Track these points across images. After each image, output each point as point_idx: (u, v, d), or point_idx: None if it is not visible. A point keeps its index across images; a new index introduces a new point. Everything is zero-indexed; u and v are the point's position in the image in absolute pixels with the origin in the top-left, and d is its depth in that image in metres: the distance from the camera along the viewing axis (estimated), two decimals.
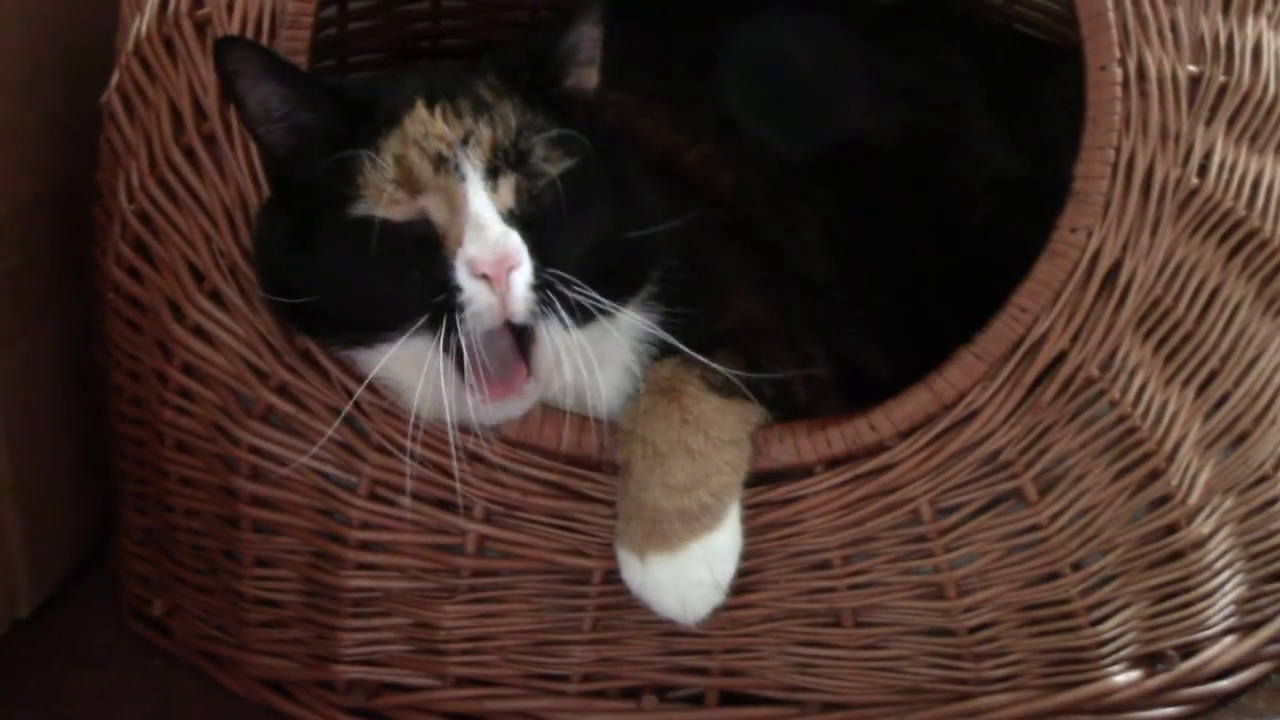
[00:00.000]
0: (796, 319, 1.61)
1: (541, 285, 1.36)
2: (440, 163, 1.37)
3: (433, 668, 1.60)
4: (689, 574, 1.48)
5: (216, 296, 1.56)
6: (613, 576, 1.52)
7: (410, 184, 1.37)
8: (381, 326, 1.39)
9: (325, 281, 1.41)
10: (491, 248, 1.35)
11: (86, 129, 1.72)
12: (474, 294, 1.35)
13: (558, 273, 1.37)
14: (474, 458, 1.52)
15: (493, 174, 1.37)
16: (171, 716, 1.67)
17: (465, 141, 1.37)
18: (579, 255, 1.39)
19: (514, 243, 1.35)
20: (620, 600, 1.54)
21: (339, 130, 1.40)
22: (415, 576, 1.57)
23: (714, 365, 1.47)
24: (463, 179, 1.36)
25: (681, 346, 1.46)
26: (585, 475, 1.52)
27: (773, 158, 1.74)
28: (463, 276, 1.35)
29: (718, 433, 1.48)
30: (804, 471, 1.52)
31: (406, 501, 1.53)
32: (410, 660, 1.61)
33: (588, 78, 1.46)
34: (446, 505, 1.55)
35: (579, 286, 1.38)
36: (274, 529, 1.61)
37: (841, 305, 1.71)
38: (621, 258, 1.43)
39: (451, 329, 1.36)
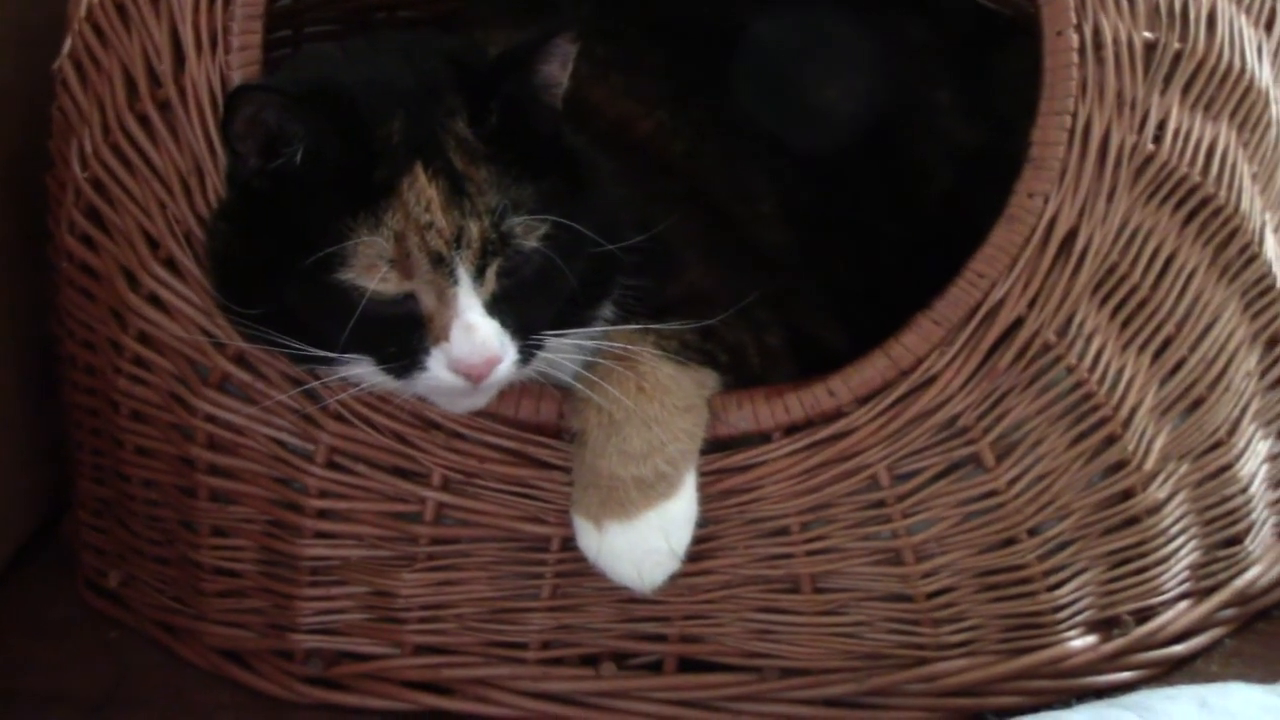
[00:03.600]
0: (749, 287, 1.61)
1: (521, 357, 1.39)
2: (438, 261, 1.36)
3: (391, 636, 1.60)
4: (645, 542, 1.48)
5: (172, 264, 1.55)
6: (571, 544, 1.52)
7: (405, 269, 1.36)
8: (338, 363, 1.40)
9: (288, 319, 1.39)
10: (479, 350, 1.36)
11: (37, 97, 1.70)
12: (449, 380, 1.37)
13: (535, 339, 1.40)
14: (431, 425, 1.52)
15: (480, 271, 1.37)
16: (128, 688, 1.66)
17: (458, 241, 1.36)
18: (555, 308, 1.42)
19: (498, 344, 1.36)
20: (578, 568, 1.54)
21: (336, 180, 1.37)
22: (373, 545, 1.57)
23: (668, 332, 1.48)
24: (455, 282, 1.36)
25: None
26: (544, 442, 1.52)
27: (729, 126, 1.74)
28: (439, 366, 1.37)
29: (673, 400, 1.48)
30: (762, 438, 1.52)
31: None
32: (368, 629, 1.60)
33: (559, 95, 1.44)
34: (404, 473, 1.54)
35: (553, 335, 1.41)
36: (231, 498, 1.60)
37: (796, 274, 1.71)
38: (593, 279, 1.45)
39: (411, 378, 1.38)
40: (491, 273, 1.37)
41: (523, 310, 1.38)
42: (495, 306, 1.37)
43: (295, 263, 1.36)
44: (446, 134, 1.39)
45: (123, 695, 1.65)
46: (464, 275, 1.36)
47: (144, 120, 1.55)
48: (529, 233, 1.38)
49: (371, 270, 1.35)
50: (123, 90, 1.56)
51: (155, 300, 1.56)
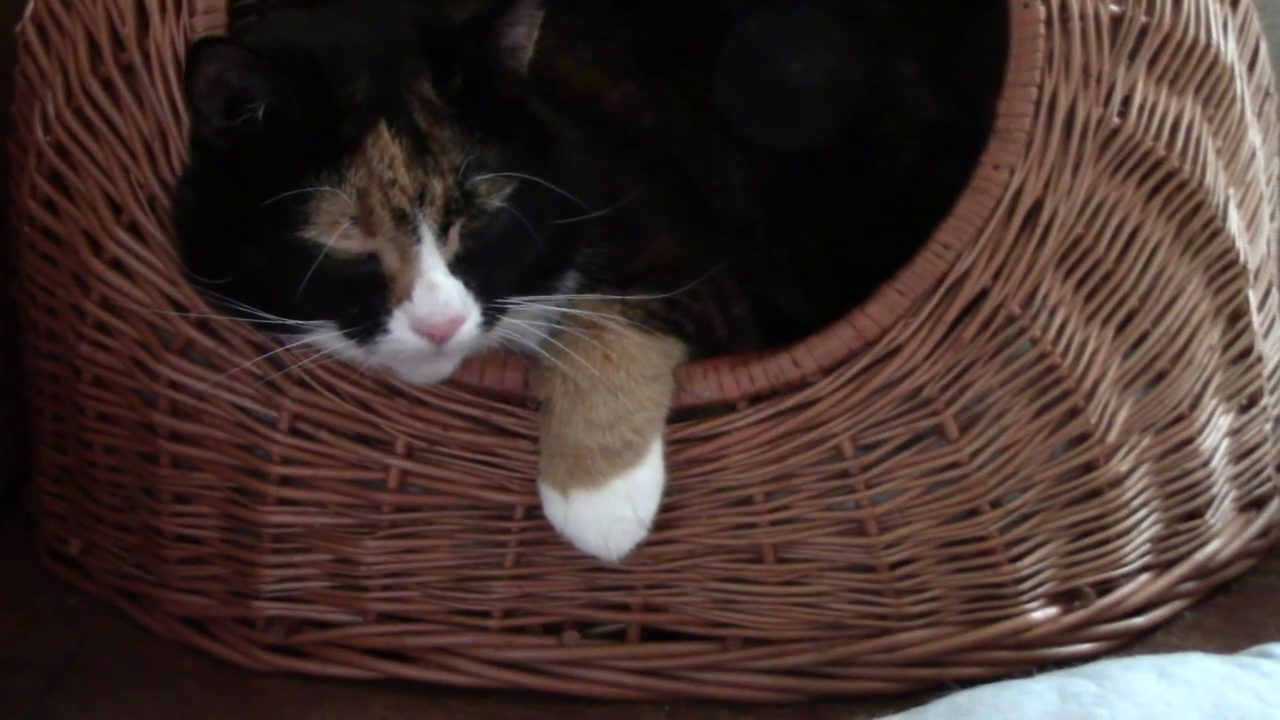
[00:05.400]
0: (715, 258, 1.61)
1: (485, 320, 1.38)
2: (401, 218, 1.35)
3: (353, 604, 1.60)
4: (612, 510, 1.48)
5: (135, 229, 1.54)
6: (535, 512, 1.52)
7: (368, 226, 1.35)
8: (303, 330, 1.39)
9: (251, 284, 1.39)
10: (442, 309, 1.35)
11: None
12: (412, 342, 1.36)
13: (499, 302, 1.39)
14: (395, 392, 1.52)
15: (444, 230, 1.36)
16: (89, 655, 1.66)
17: (421, 198, 1.35)
18: (520, 272, 1.41)
19: (461, 304, 1.36)
20: (542, 536, 1.54)
21: (299, 138, 1.37)
22: (336, 512, 1.57)
23: (634, 301, 1.48)
24: (418, 240, 1.35)
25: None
26: (508, 410, 1.52)
27: (696, 98, 1.74)
28: (402, 328, 1.36)
29: (639, 369, 1.48)
30: (727, 407, 1.52)
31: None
32: (331, 596, 1.60)
33: (523, 59, 1.43)
34: (368, 440, 1.54)
35: (517, 300, 1.40)
36: (193, 465, 1.59)
37: (762, 245, 1.71)
38: (558, 246, 1.44)
39: (375, 342, 1.38)
40: (455, 232, 1.37)
41: (487, 272, 1.38)
42: (459, 266, 1.37)
43: (258, 223, 1.35)
44: (411, 94, 1.39)
45: (83, 662, 1.65)
46: (427, 233, 1.35)
47: (107, 84, 1.54)
48: (493, 192, 1.38)
49: (333, 227, 1.35)
50: (86, 53, 1.55)
51: (118, 265, 1.56)
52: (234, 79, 1.35)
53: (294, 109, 1.36)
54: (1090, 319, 1.56)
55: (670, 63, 1.75)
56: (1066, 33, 1.50)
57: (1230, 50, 1.63)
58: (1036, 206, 1.50)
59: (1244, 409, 1.73)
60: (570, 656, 1.59)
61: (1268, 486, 1.78)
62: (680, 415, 1.52)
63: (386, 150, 1.36)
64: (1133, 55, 1.53)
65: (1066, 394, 1.56)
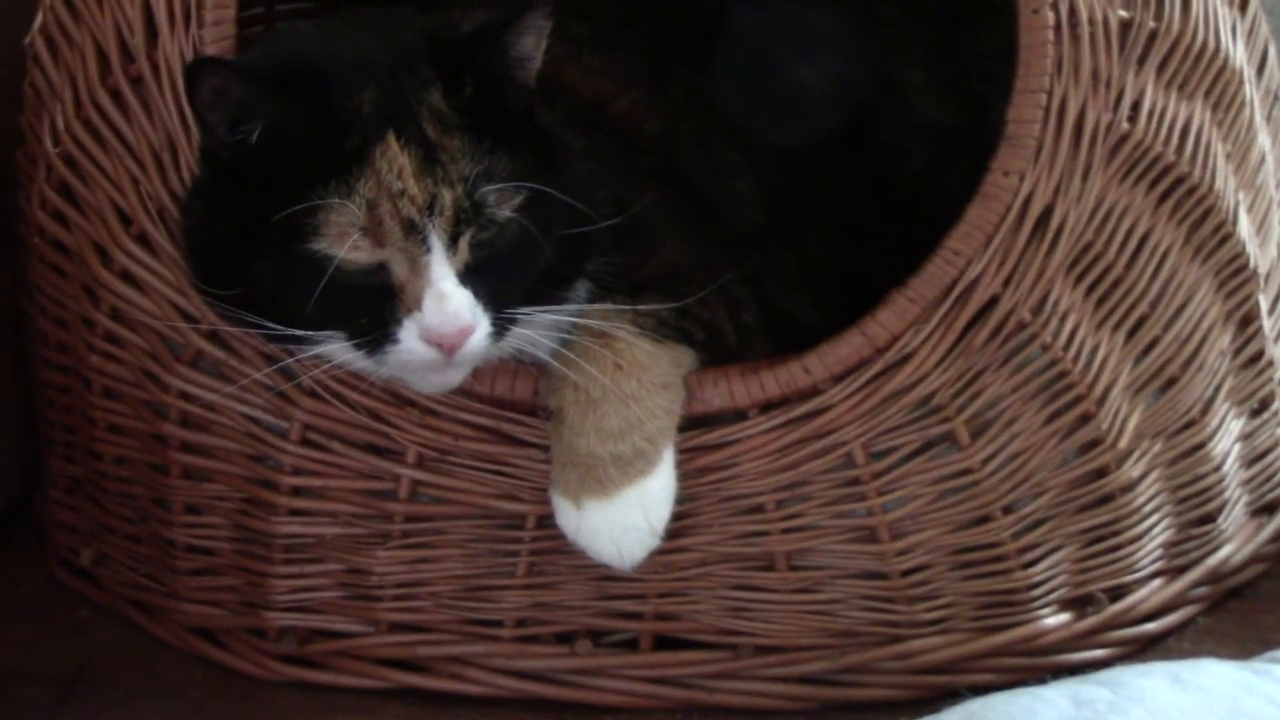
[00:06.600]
0: (724, 265, 1.61)
1: (495, 330, 1.38)
2: (410, 228, 1.35)
3: (365, 614, 1.60)
4: (624, 519, 1.48)
5: (144, 240, 1.54)
6: (546, 521, 1.52)
7: (377, 237, 1.36)
8: (313, 341, 1.39)
9: (261, 296, 1.39)
10: (451, 319, 1.35)
11: (8, 73, 1.69)
12: (422, 353, 1.37)
13: (509, 312, 1.39)
14: (406, 402, 1.52)
15: (454, 240, 1.36)
16: (100, 666, 1.66)
17: (431, 208, 1.35)
18: (530, 282, 1.41)
19: (471, 314, 1.36)
20: (554, 545, 1.54)
21: (306, 151, 1.37)
22: (347, 522, 1.57)
23: (645, 310, 1.48)
24: (428, 250, 1.36)
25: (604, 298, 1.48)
26: (519, 420, 1.51)
27: (704, 105, 1.74)
28: (411, 338, 1.36)
29: (650, 377, 1.48)
30: (738, 415, 1.52)
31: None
32: (342, 606, 1.60)
33: (532, 70, 1.44)
34: (379, 450, 1.54)
35: (527, 310, 1.41)
36: (204, 475, 1.59)
37: (771, 252, 1.71)
38: (567, 255, 1.44)
39: (384, 353, 1.38)
40: (465, 242, 1.37)
41: (496, 282, 1.38)
42: (468, 277, 1.37)
43: (267, 235, 1.35)
44: (420, 105, 1.39)
45: (94, 673, 1.65)
46: (437, 243, 1.36)
47: (116, 95, 1.54)
48: (503, 202, 1.38)
49: (343, 238, 1.35)
50: (95, 65, 1.55)
51: (128, 276, 1.56)
52: (235, 97, 1.35)
53: (295, 123, 1.36)
54: (1101, 325, 1.56)
55: (677, 69, 1.74)
56: (1075, 38, 1.50)
57: (1239, 54, 1.63)
58: (1046, 212, 1.50)
59: (1255, 413, 1.73)
60: (582, 665, 1.59)
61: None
62: (692, 423, 1.52)
63: (395, 160, 1.36)
64: (1142, 60, 1.53)
65: (1078, 400, 1.56)
